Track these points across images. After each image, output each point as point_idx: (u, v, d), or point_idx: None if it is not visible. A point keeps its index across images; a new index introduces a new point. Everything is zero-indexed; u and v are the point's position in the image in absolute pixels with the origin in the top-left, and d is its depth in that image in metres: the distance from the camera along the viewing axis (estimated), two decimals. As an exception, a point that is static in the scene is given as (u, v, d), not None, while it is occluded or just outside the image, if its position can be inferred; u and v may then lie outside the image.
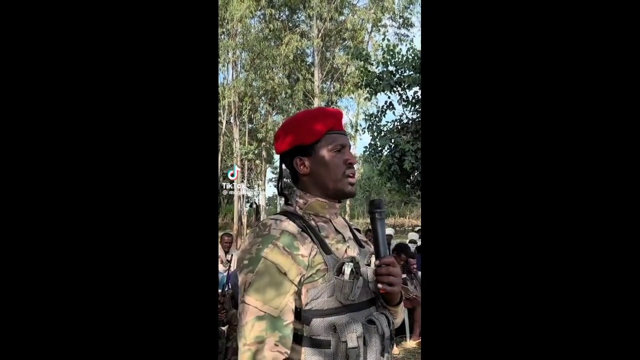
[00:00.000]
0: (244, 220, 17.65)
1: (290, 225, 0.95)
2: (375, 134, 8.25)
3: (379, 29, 16.22)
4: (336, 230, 1.03)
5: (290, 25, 17.24)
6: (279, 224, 0.95)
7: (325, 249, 0.95)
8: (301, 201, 1.03)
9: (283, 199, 1.08)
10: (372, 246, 1.02)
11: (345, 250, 1.00)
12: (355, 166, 1.05)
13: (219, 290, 3.81)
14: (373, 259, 1.03)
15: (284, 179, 1.10)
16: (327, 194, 1.03)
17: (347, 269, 0.93)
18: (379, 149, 8.20)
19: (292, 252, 0.91)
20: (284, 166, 1.09)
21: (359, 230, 1.15)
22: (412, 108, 7.98)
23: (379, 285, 0.95)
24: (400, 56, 7.67)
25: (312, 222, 0.99)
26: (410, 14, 17.09)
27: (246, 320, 0.88)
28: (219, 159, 15.98)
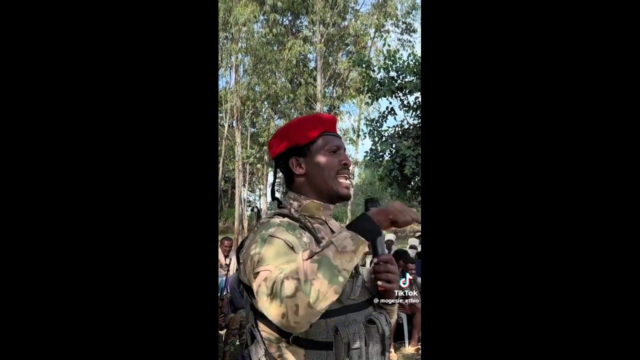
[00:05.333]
0: (245, 224, 17.64)
1: (289, 221, 0.96)
2: (377, 139, 8.25)
3: (382, 35, 16.27)
4: (332, 231, 1.03)
5: (293, 30, 17.30)
6: (277, 218, 0.95)
7: None
8: (296, 204, 1.02)
9: (277, 203, 1.08)
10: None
11: None
12: (352, 168, 1.05)
13: (217, 294, 3.80)
14: (368, 259, 1.03)
15: (276, 186, 1.10)
16: (322, 195, 1.03)
17: None
18: (380, 154, 8.20)
19: (295, 234, 0.91)
20: (278, 170, 1.08)
21: None
22: (414, 113, 7.98)
23: (378, 283, 0.95)
24: (401, 62, 7.69)
25: (308, 224, 0.99)
26: (413, 20, 17.16)
27: (259, 283, 0.82)
28: (221, 162, 16.00)
